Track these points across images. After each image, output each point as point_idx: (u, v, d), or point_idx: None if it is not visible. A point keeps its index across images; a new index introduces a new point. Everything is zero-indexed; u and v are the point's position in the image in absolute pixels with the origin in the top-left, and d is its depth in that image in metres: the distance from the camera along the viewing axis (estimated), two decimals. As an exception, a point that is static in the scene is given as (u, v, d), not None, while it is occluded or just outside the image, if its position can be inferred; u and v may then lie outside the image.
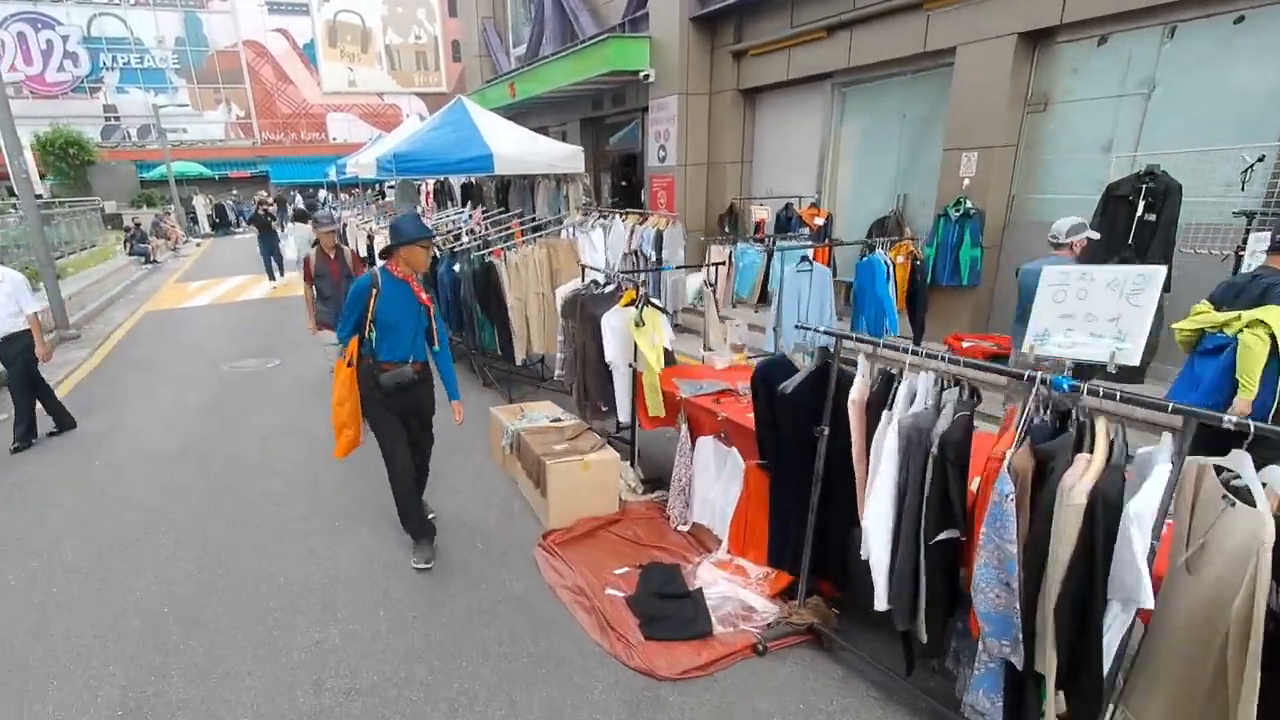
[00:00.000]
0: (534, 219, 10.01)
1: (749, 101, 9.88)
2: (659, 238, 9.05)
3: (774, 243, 7.22)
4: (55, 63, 35.42)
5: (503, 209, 13.27)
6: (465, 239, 7.69)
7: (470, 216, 8.35)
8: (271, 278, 14.30)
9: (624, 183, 13.92)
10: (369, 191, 25.07)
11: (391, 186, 25.60)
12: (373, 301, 3.45)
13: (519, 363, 6.62)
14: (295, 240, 13.90)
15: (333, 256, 6.54)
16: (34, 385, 6.02)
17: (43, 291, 10.67)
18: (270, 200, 14.23)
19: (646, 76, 10.27)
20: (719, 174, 10.26)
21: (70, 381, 8.05)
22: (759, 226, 8.26)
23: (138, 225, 18.97)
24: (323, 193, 31.85)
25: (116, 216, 26.70)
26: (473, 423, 4.92)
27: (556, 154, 11.81)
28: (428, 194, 19.54)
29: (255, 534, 4.40)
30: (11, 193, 27.91)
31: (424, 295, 3.76)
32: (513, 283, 6.28)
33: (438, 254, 7.96)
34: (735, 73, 9.58)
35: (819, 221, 8.30)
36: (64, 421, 6.28)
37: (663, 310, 4.43)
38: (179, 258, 22.03)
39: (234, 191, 35.49)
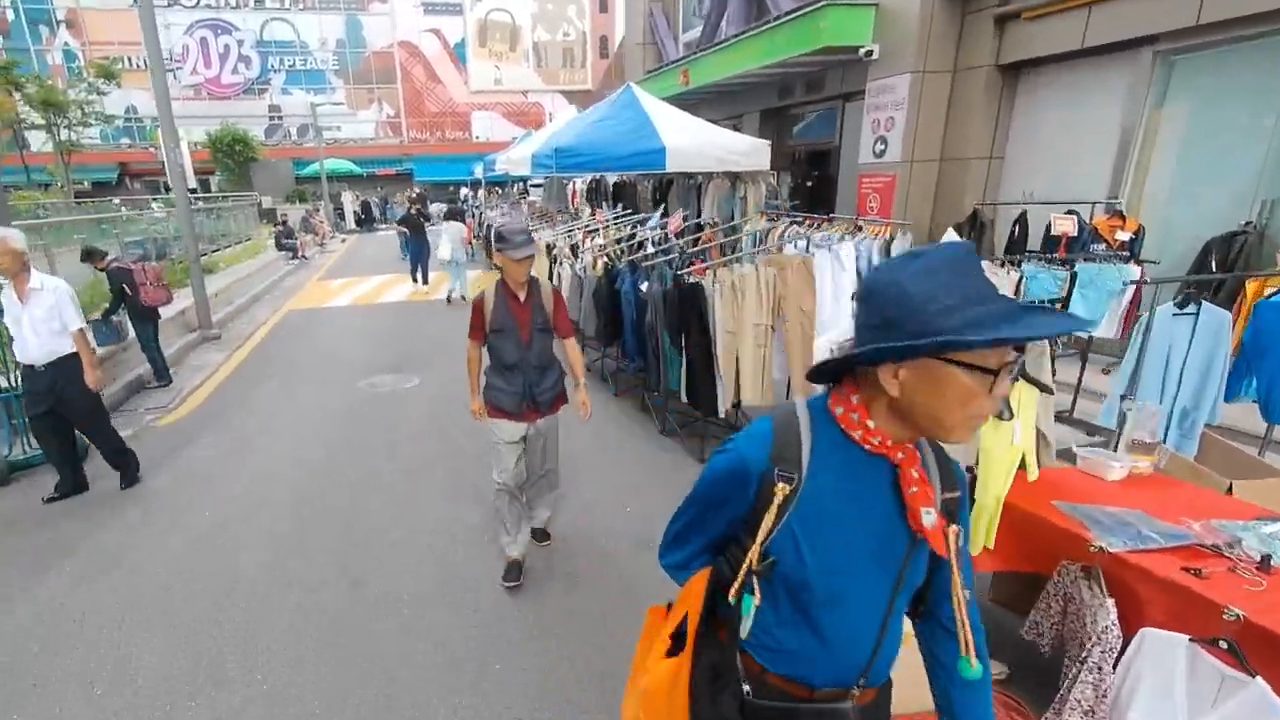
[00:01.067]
0: (728, 225, 8.54)
1: (1008, 80, 7.93)
2: (886, 253, 7.33)
3: (1073, 264, 5.33)
4: (230, 66, 38.42)
5: (661, 212, 11.97)
6: (649, 248, 6.33)
7: (662, 223, 6.97)
8: (415, 280, 13.77)
9: (807, 183, 12.23)
10: (513, 190, 24.81)
11: (537, 185, 25.32)
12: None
13: (720, 414, 5.14)
14: (449, 238, 13.26)
15: (522, 298, 3.88)
16: (103, 414, 5.07)
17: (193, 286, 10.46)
18: (420, 199, 13.77)
19: (869, 53, 8.57)
20: (956, 173, 8.36)
21: (202, 392, 7.43)
22: (1060, 243, 6.33)
23: (285, 221, 19.43)
24: (464, 190, 32.31)
25: (272, 211, 28.07)
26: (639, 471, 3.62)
27: (737, 148, 10.32)
28: (574, 193, 18.74)
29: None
30: (168, 189, 30.45)
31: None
32: (726, 310, 4.82)
33: (615, 266, 6.66)
34: (995, 43, 7.68)
35: (1123, 236, 6.26)
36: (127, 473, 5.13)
37: (1044, 388, 2.74)
38: (325, 253, 22.56)
39: (380, 189, 37.00)
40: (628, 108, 10.70)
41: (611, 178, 15.28)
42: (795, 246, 5.09)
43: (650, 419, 6.28)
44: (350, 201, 31.99)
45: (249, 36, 38.02)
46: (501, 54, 42.73)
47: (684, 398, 5.38)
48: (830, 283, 4.92)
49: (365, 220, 31.20)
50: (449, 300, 13.64)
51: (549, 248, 9.81)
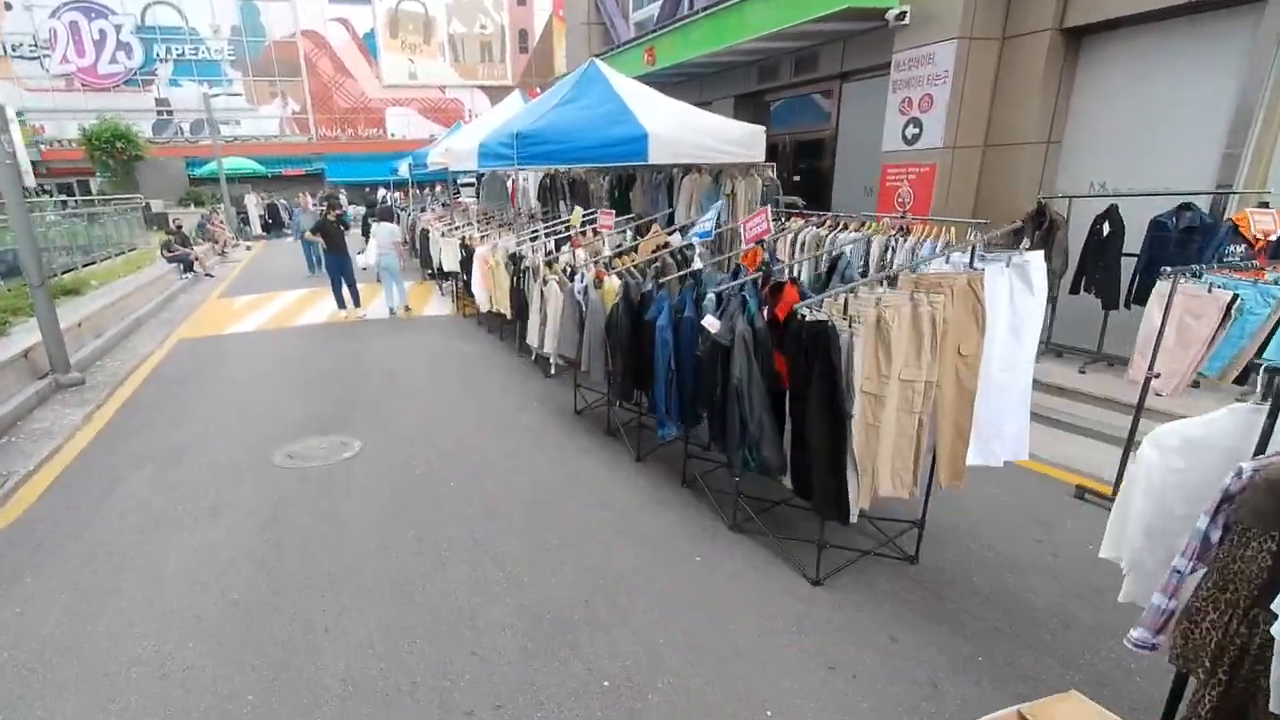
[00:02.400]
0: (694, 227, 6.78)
1: (1070, 48, 6.49)
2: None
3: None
4: (108, 54, 33.80)
5: (618, 211, 10.10)
6: (696, 262, 4.44)
7: (705, 231, 5.00)
8: (342, 305, 10.95)
9: (794, 177, 10.64)
10: (441, 189, 22.26)
11: (467, 183, 22.85)
12: None
13: (851, 519, 3.35)
14: (379, 242, 10.93)
15: None
16: None
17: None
18: (340, 203, 11.28)
19: (900, 16, 6.97)
20: (1003, 161, 6.89)
21: (32, 490, 5.05)
22: (1254, 247, 4.83)
23: (179, 227, 16.40)
24: (382, 191, 29.37)
25: (162, 216, 24.47)
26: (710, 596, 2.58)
27: (729, 136, 8.59)
28: (513, 191, 16.57)
29: None
30: (47, 191, 26.27)
31: None
32: (869, 361, 3.05)
33: (643, 289, 4.75)
34: (1059, 2, 6.23)
35: (1271, 230, 4.86)
36: None
37: None
38: (227, 263, 19.50)
39: (301, 194, 33.40)
40: (595, 83, 8.77)
41: (568, 171, 13.27)
42: (949, 261, 3.38)
43: (701, 499, 4.45)
44: (255, 204, 28.51)
45: (128, 21, 33.56)
46: (415, 47, 39.60)
47: (787, 482, 3.57)
48: (1007, 312, 3.25)
49: (273, 225, 27.83)
50: (391, 313, 11.37)
51: (513, 259, 7.78)
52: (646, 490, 4.64)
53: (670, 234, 5.94)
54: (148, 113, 34.38)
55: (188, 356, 8.82)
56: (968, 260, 3.29)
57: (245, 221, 27.69)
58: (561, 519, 4.28)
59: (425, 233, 12.74)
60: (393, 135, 39.13)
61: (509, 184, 14.82)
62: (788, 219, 7.80)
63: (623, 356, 4.67)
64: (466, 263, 9.68)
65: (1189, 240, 5.36)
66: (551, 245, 7.48)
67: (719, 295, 3.78)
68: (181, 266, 15.70)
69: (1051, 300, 6.14)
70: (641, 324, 4.53)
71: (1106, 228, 5.96)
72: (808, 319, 3.11)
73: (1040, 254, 3.24)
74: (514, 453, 5.34)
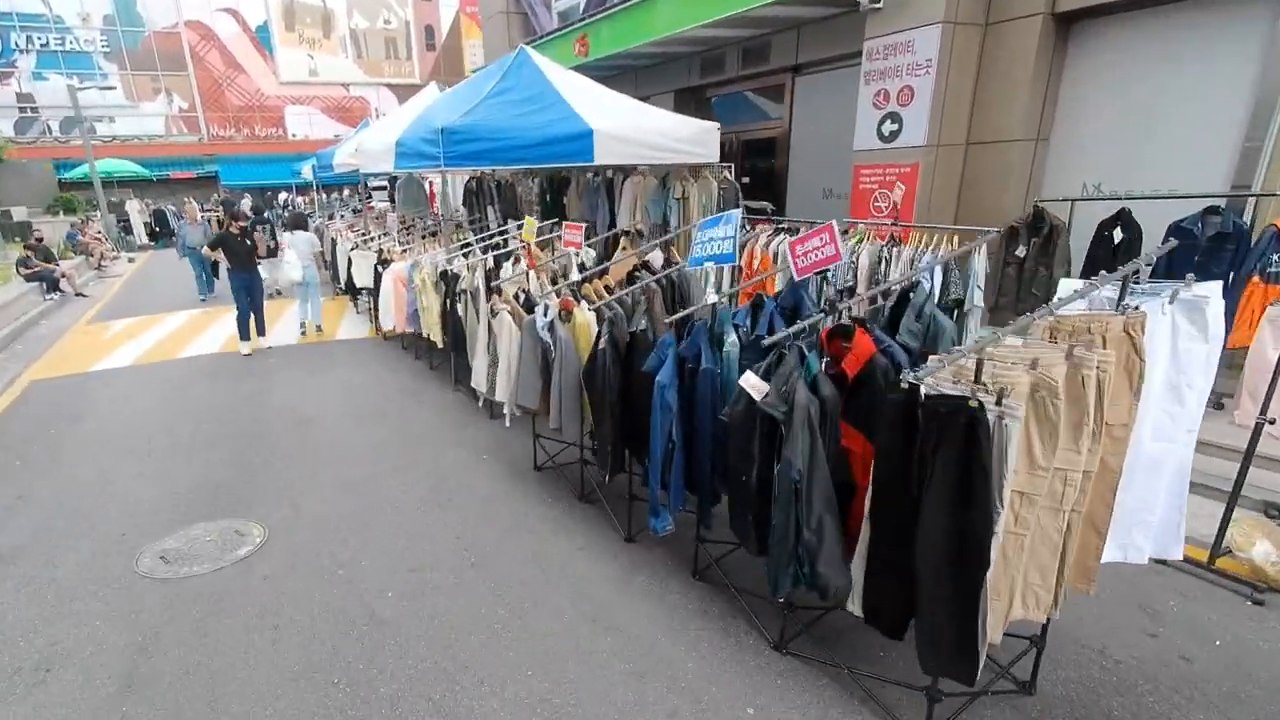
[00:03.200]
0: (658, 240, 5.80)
1: (1060, 35, 5.79)
2: (945, 271, 4.91)
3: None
4: (-45, 43, 29.41)
5: (548, 217, 8.97)
6: (710, 295, 3.32)
7: (731, 247, 3.82)
8: (246, 336, 8.73)
9: (744, 178, 9.70)
10: (346, 194, 20.19)
11: (379, 186, 20.82)
12: None
13: (973, 678, 2.35)
14: (299, 252, 9.29)
15: None
16: None
17: None
18: (242, 211, 9.40)
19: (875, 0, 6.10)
20: (988, 160, 6.14)
21: None
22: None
23: (39, 239, 13.88)
24: (284, 195, 26.87)
25: (25, 226, 21.25)
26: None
27: (681, 134, 7.57)
28: (432, 196, 14.98)
29: None
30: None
31: None
32: (1022, 455, 2.07)
33: (620, 322, 3.60)
34: (1055, -18, 5.51)
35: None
36: None
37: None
38: (104, 279, 16.92)
39: (187, 201, 29.93)
40: (526, 74, 7.53)
41: (493, 172, 11.85)
42: (1085, 297, 2.42)
43: (726, 602, 3.37)
44: (138, 210, 25.34)
45: (-22, 8, 29.25)
46: (314, 41, 36.57)
47: (856, 608, 2.54)
48: (1167, 363, 2.33)
49: (161, 233, 24.76)
50: (303, 331, 9.72)
51: (445, 277, 6.48)
52: (653, 591, 3.50)
53: (649, 250, 4.80)
54: (7, 109, 30.15)
55: (38, 406, 7.00)
56: (1116, 295, 2.34)
57: (127, 230, 24.54)
58: (549, 653, 3.10)
59: (334, 243, 11.08)
60: (294, 136, 36.07)
61: (428, 187, 13.31)
62: (752, 226, 6.85)
63: (611, 419, 3.52)
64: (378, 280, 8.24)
65: (1219, 249, 4.69)
66: (490, 262, 6.22)
67: (768, 348, 2.69)
68: (44, 286, 13.29)
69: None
70: (634, 376, 3.40)
71: (1119, 234, 5.26)
72: (929, 395, 2.08)
73: (1218, 286, 2.32)
74: (469, 540, 4.09)
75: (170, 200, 27.74)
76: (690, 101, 10.11)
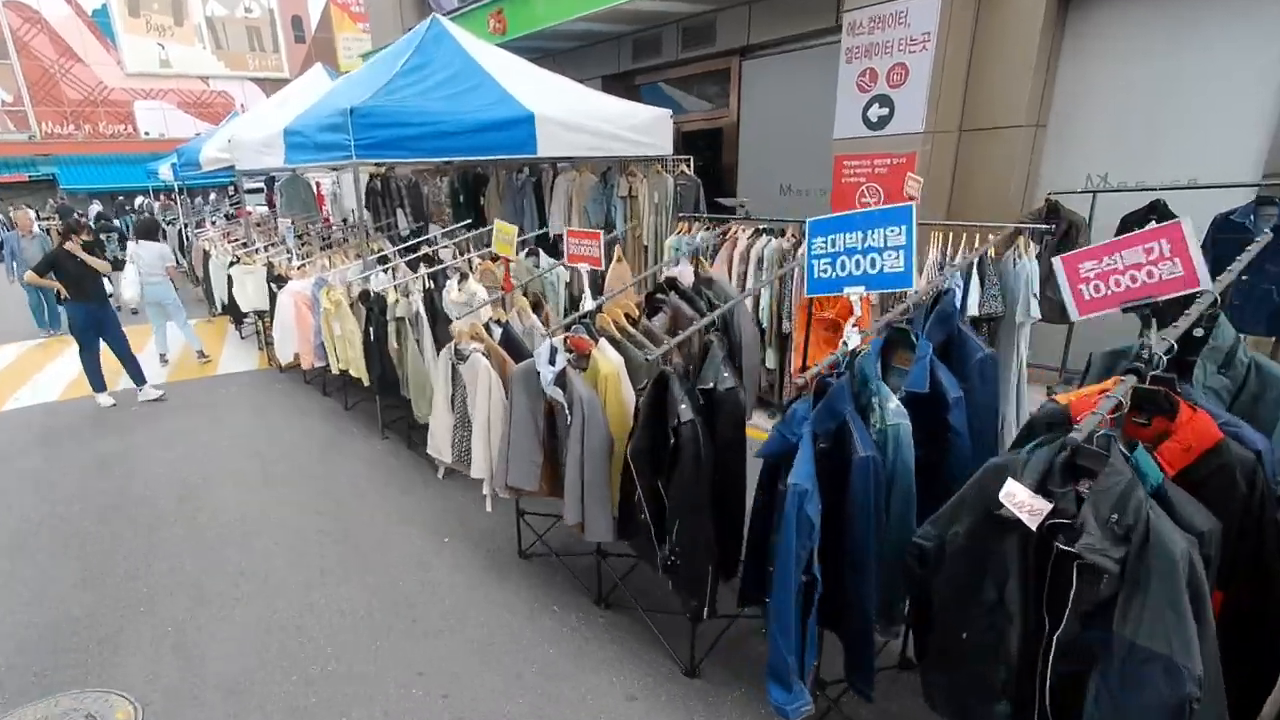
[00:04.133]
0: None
1: (1062, 5, 5.06)
2: (981, 274, 4.06)
3: None
4: None
5: (467, 222, 7.64)
6: (852, 337, 2.16)
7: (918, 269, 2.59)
8: (101, 387, 6.52)
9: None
10: (213, 197, 17.26)
11: (254, 189, 18.02)
12: None
13: None
14: (141, 272, 7.24)
15: None
16: None
17: None
18: (83, 222, 7.11)
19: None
20: (987, 148, 5.37)
21: None
22: None
23: None
24: (140, 199, 23.19)
25: None
26: None
27: (631, 122, 6.40)
28: (319, 197, 12.88)
29: None
30: None
31: None
32: None
33: (679, 376, 2.35)
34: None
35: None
36: None
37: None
38: (-94, 305, 13.47)
39: (19, 209, 24.94)
40: (443, 48, 6.06)
41: (391, 168, 10.07)
42: None
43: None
44: (-47, 220, 20.91)
45: None
46: (165, 29, 31.97)
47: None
48: None
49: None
50: (163, 361, 7.73)
51: (367, 300, 4.96)
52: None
53: (671, 269, 3.51)
54: None
55: None
56: None
57: (-60, 244, 20.15)
58: None
59: (206, 255, 8.98)
60: (146, 134, 31.48)
61: (314, 188, 11.31)
62: (716, 227, 5.78)
63: (705, 522, 2.26)
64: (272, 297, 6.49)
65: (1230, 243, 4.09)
66: (428, 280, 4.77)
67: (1033, 435, 1.58)
68: None
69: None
70: (730, 469, 2.21)
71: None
72: None
73: None
74: (461, 703, 2.75)
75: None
76: (619, 89, 8.86)
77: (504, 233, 4.06)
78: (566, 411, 2.63)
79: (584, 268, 3.38)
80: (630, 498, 2.54)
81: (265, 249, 7.61)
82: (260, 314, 7.75)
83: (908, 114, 5.29)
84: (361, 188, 9.68)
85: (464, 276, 4.49)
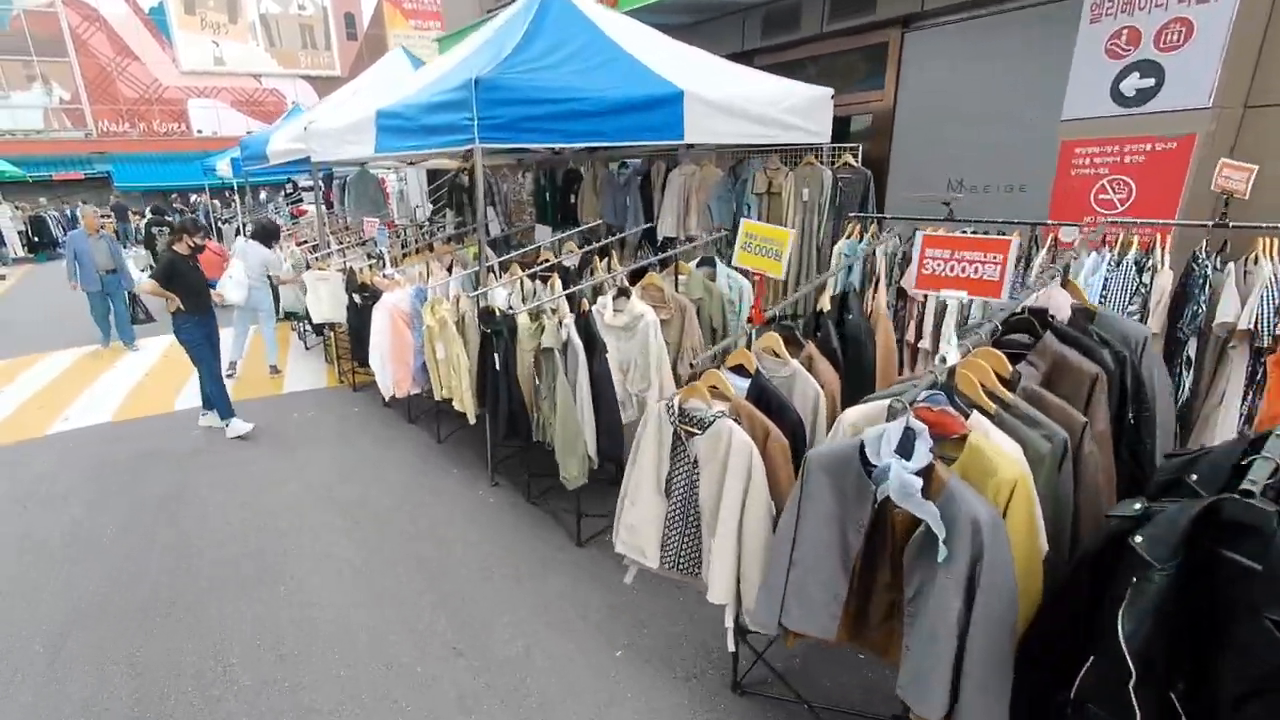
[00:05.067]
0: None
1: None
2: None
3: None
4: None
5: (594, 224, 6.71)
6: None
7: None
8: (227, 412, 5.64)
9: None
10: (262, 196, 16.66)
11: (309, 187, 17.44)
12: None
13: None
14: (248, 271, 6.39)
15: None
16: None
17: None
18: (197, 222, 6.05)
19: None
20: (1265, 130, 4.20)
21: None
22: None
23: None
24: (195, 197, 23.01)
25: None
26: None
27: (789, 103, 5.33)
28: (386, 195, 12.11)
29: None
30: None
31: None
32: None
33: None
34: None
35: None
36: None
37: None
38: (-40, 304, 13.15)
39: (83, 207, 25.01)
40: (559, 12, 5.06)
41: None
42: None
43: None
44: (12, 217, 20.94)
45: None
46: (219, 26, 32.08)
47: None
48: None
49: (41, 245, 20.48)
50: (230, 374, 6.99)
51: (490, 320, 3.99)
52: None
53: (1037, 293, 2.42)
54: None
55: None
56: None
57: (-2, 241, 20.19)
58: None
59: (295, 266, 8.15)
60: (199, 132, 31.56)
61: (380, 187, 10.52)
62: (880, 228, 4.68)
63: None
64: (365, 310, 5.57)
65: None
66: (538, 291, 3.80)
67: None
68: None
69: None
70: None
71: None
72: None
73: None
74: None
75: (54, 205, 23.15)
76: (737, 72, 7.77)
77: (769, 240, 2.95)
78: (941, 542, 1.57)
79: (953, 294, 2.32)
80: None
81: (341, 252, 6.75)
82: (332, 326, 6.91)
83: (1186, 84, 4.11)
84: (415, 185, 8.81)
85: (622, 293, 3.48)
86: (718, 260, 3.70)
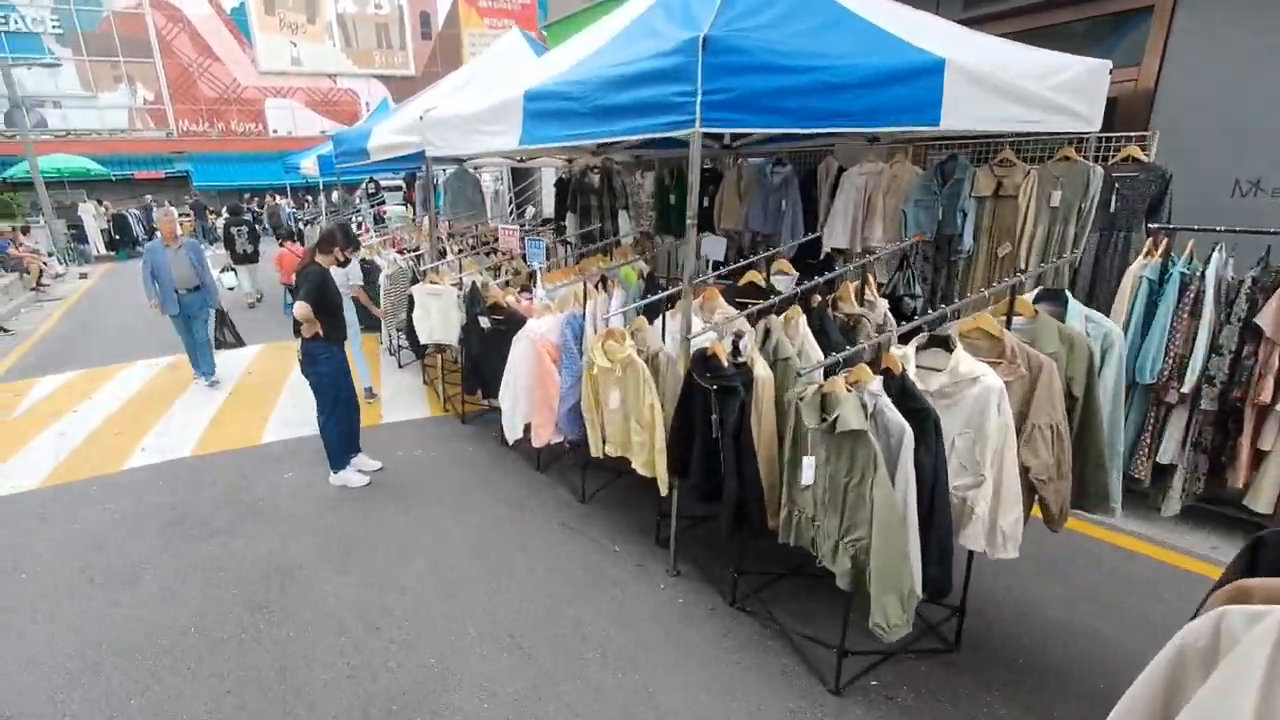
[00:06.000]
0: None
1: None
2: None
3: None
4: (-123, 22, 24.95)
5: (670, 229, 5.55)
6: None
7: None
8: (355, 449, 4.92)
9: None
10: (334, 197, 16.08)
11: (392, 185, 16.97)
12: None
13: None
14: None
15: None
16: None
17: None
18: (346, 231, 5.08)
19: None
20: None
21: None
22: None
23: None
24: (273, 199, 23.07)
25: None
26: None
27: (1057, 79, 4.05)
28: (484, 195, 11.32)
29: None
30: None
31: None
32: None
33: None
34: None
35: None
36: None
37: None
38: (42, 303, 13.03)
39: (158, 207, 25.50)
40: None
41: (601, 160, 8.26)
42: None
43: None
44: (94, 215, 21.29)
45: (-95, -19, 24.90)
46: (298, 27, 32.54)
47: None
48: None
49: (122, 242, 20.72)
50: (371, 394, 6.27)
51: (715, 369, 2.92)
52: None
53: None
54: (-60, 100, 25.72)
55: None
56: None
57: (80, 239, 20.49)
58: None
59: (366, 267, 7.40)
60: (274, 132, 32.05)
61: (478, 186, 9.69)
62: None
63: None
64: (493, 336, 4.65)
65: None
66: (774, 332, 2.74)
67: None
68: (-54, 322, 9.46)
69: None
70: None
71: None
72: None
73: None
74: None
75: (134, 203, 23.57)
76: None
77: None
78: None
79: None
80: None
81: (455, 256, 5.88)
82: (439, 348, 6.04)
83: None
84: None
85: (937, 342, 2.39)
86: (1069, 296, 2.58)
